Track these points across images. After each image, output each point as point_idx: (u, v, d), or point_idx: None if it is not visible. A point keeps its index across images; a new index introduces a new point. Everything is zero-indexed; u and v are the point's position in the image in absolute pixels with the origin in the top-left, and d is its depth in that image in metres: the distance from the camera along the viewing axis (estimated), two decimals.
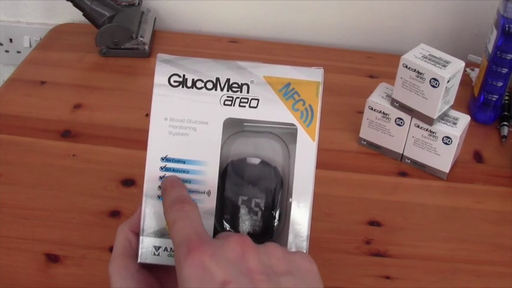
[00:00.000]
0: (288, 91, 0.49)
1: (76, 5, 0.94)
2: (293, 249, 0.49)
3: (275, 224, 0.51)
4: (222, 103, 0.49)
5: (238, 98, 0.49)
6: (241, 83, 0.49)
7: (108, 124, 0.82)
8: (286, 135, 0.50)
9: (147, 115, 0.83)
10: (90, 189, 0.71)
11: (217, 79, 0.49)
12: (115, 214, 0.68)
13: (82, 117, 0.83)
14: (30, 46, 1.07)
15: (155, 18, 1.04)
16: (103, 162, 0.76)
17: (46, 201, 0.69)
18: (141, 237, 0.49)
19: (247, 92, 0.49)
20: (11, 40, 1.08)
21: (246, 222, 0.50)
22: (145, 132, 0.50)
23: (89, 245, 0.64)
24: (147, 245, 0.48)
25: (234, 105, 0.49)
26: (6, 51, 1.08)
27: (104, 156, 0.76)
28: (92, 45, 0.96)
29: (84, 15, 0.95)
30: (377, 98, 0.77)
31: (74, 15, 1.04)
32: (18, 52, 1.08)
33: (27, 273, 0.61)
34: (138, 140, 0.78)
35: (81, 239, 0.65)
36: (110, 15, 0.95)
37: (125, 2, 1.00)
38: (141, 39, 0.96)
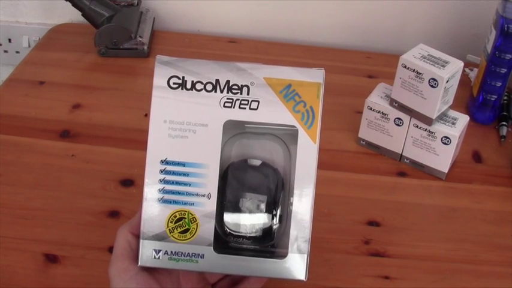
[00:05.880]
0: (288, 92, 0.49)
1: (75, 5, 0.94)
2: (294, 252, 0.49)
3: (276, 226, 0.50)
4: (222, 105, 0.48)
5: (238, 99, 0.48)
6: (242, 85, 0.48)
7: (107, 124, 0.82)
8: (287, 136, 0.50)
9: (146, 115, 0.83)
10: (89, 189, 0.71)
11: (217, 81, 0.48)
12: (114, 214, 0.68)
13: (81, 117, 0.83)
14: (29, 46, 1.07)
15: (154, 18, 1.04)
16: (102, 162, 0.75)
17: (45, 202, 0.69)
18: (141, 241, 0.48)
19: (248, 94, 0.48)
20: (9, 40, 1.07)
21: (246, 225, 0.50)
22: (144, 132, 0.49)
23: (88, 245, 0.64)
24: (147, 249, 0.48)
25: (234, 107, 0.48)
26: (5, 51, 1.08)
27: (102, 156, 0.76)
28: (90, 45, 0.96)
29: (83, 15, 0.95)
30: (376, 98, 0.77)
31: (73, 15, 1.04)
32: (17, 52, 1.08)
33: (26, 274, 0.61)
34: (137, 140, 0.78)
35: (80, 239, 0.65)
36: (108, 15, 0.95)
37: (123, 2, 1.00)
38: (140, 39, 0.96)
